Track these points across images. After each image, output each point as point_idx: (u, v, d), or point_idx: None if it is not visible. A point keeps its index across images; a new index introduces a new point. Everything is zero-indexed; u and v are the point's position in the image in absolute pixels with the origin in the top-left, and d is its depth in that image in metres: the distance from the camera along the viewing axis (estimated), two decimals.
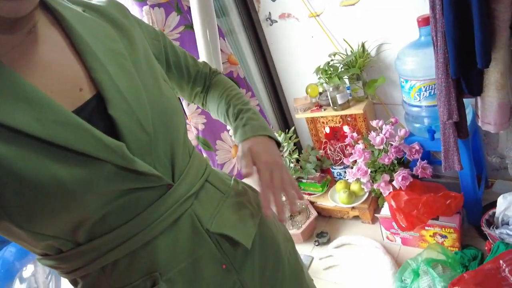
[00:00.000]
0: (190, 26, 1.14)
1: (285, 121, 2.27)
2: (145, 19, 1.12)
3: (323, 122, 1.98)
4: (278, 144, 0.70)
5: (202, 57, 1.11)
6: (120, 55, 0.54)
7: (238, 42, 2.11)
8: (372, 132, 1.69)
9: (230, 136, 1.26)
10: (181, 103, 1.21)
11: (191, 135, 1.25)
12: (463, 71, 1.12)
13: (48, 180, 0.43)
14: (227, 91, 0.76)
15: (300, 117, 2.01)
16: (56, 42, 0.51)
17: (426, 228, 1.51)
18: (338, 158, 1.97)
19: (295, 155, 1.88)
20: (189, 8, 1.13)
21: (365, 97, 1.88)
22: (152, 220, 0.53)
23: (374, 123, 1.70)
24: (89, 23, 0.55)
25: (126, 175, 0.49)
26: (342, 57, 1.86)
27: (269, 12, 2.05)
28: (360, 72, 1.81)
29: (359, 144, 1.74)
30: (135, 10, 1.14)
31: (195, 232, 0.58)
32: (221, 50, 1.18)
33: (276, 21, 2.06)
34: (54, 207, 0.45)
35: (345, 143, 1.89)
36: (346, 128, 1.90)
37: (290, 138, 1.88)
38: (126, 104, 0.51)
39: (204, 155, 1.27)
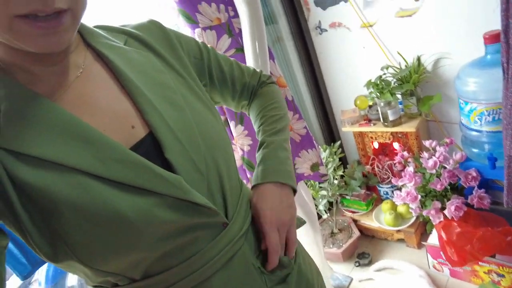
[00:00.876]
0: (241, 49, 1.13)
1: (331, 134, 2.21)
2: None
3: (371, 137, 1.90)
4: (294, 189, 0.68)
5: None
6: (168, 89, 0.55)
7: (286, 50, 2.08)
8: (424, 152, 1.59)
9: None
10: (228, 125, 1.21)
11: (237, 155, 1.26)
12: None
13: (112, 216, 0.45)
14: (264, 110, 0.73)
15: (347, 130, 1.95)
16: (103, 79, 0.52)
17: (480, 263, 1.41)
18: (386, 177, 1.89)
19: (340, 172, 1.83)
20: (240, 31, 1.12)
21: (419, 114, 1.77)
22: (207, 260, 0.54)
23: (427, 143, 1.60)
24: (132, 57, 0.55)
25: (184, 206, 0.50)
26: (396, 71, 1.76)
27: (319, 21, 1.99)
28: (414, 88, 1.71)
29: (409, 163, 1.66)
30: (187, 32, 1.15)
31: (246, 271, 0.59)
32: (270, 72, 1.16)
33: (326, 30, 1.99)
34: (118, 244, 0.46)
35: (394, 161, 1.81)
36: (396, 146, 1.81)
37: (335, 153, 1.83)
38: (180, 146, 0.51)
39: (248, 175, 1.28)
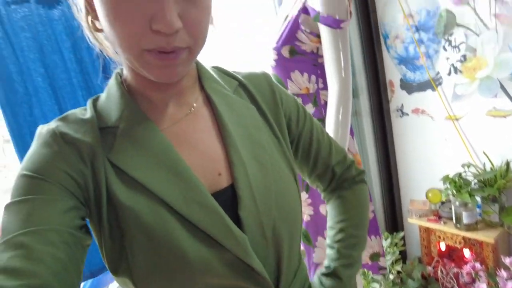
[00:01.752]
0: (322, 120, 1.14)
1: (395, 222, 2.06)
2: None
3: (439, 236, 1.73)
4: None
5: None
6: (260, 148, 0.56)
7: (362, 126, 2.06)
8: (502, 270, 1.39)
9: None
10: None
11: None
12: None
13: (176, 253, 0.46)
14: (346, 222, 0.68)
15: (413, 222, 1.80)
16: (207, 123, 0.56)
17: None
18: (449, 285, 1.67)
19: (398, 266, 1.67)
20: (325, 103, 1.14)
21: (500, 224, 1.59)
22: None
23: (507, 261, 1.40)
24: (237, 108, 0.58)
25: (241, 268, 0.50)
26: (478, 172, 1.63)
27: (402, 104, 1.97)
28: (498, 194, 1.55)
29: (481, 278, 1.46)
30: None
31: None
32: (347, 149, 1.14)
33: (408, 114, 1.95)
34: (172, 280, 0.47)
35: (462, 270, 1.61)
36: (467, 253, 1.62)
37: (396, 245, 1.69)
38: (255, 207, 0.51)
39: (302, 247, 1.21)
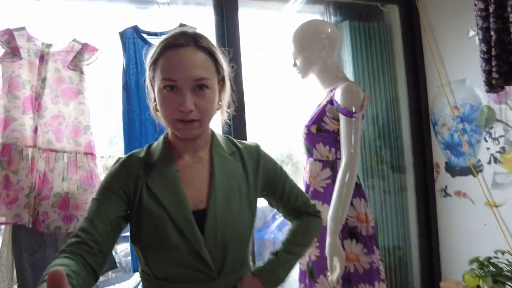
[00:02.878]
0: (334, 181, 1.46)
1: None
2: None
3: None
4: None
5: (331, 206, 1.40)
6: (233, 192, 0.85)
7: (406, 202, 2.23)
8: None
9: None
10: None
11: (304, 260, 1.52)
12: None
13: (163, 235, 0.78)
14: (297, 232, 0.97)
15: None
16: (205, 170, 0.86)
17: None
18: None
19: None
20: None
21: None
22: None
23: None
24: (228, 165, 0.87)
25: (197, 254, 0.78)
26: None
27: (446, 185, 2.11)
28: None
29: None
30: (303, 159, 1.58)
31: None
32: (352, 205, 1.44)
33: (451, 196, 2.08)
34: (160, 251, 0.78)
35: None
36: None
37: None
38: (214, 225, 0.80)
39: (307, 281, 1.50)
